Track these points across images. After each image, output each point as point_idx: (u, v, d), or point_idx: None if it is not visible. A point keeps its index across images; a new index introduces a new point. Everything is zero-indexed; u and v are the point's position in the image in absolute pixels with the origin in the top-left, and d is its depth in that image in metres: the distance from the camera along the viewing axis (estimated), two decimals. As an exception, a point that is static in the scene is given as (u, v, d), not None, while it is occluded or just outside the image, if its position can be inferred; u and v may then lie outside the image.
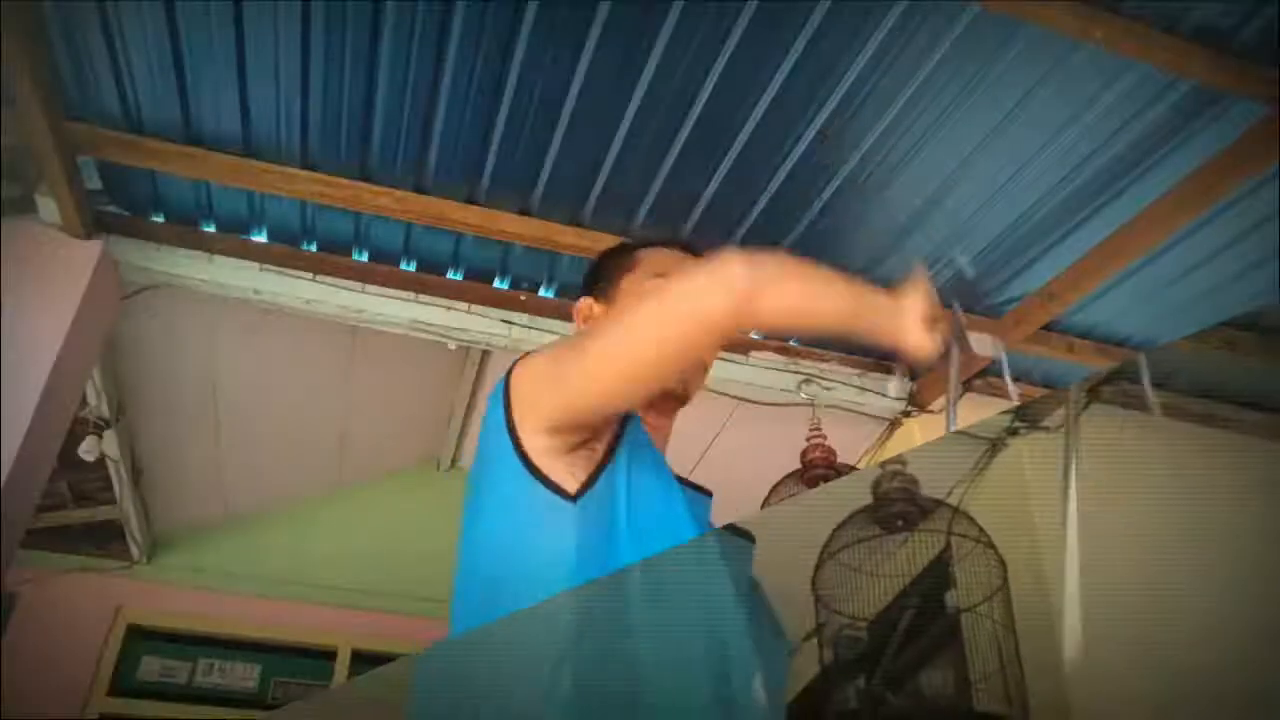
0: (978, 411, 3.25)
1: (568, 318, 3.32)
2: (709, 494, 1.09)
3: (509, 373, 1.03)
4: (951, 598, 2.45)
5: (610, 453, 0.97)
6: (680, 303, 0.92)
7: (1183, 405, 3.21)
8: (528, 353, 1.05)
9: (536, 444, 0.96)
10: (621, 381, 0.94)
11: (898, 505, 2.66)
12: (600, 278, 1.27)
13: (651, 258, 1.24)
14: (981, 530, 2.51)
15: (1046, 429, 2.75)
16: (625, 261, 1.25)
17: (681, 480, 1.04)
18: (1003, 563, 2.43)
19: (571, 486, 0.94)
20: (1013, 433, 2.82)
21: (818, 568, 2.60)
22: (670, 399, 1.15)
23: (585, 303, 1.26)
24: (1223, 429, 3.16)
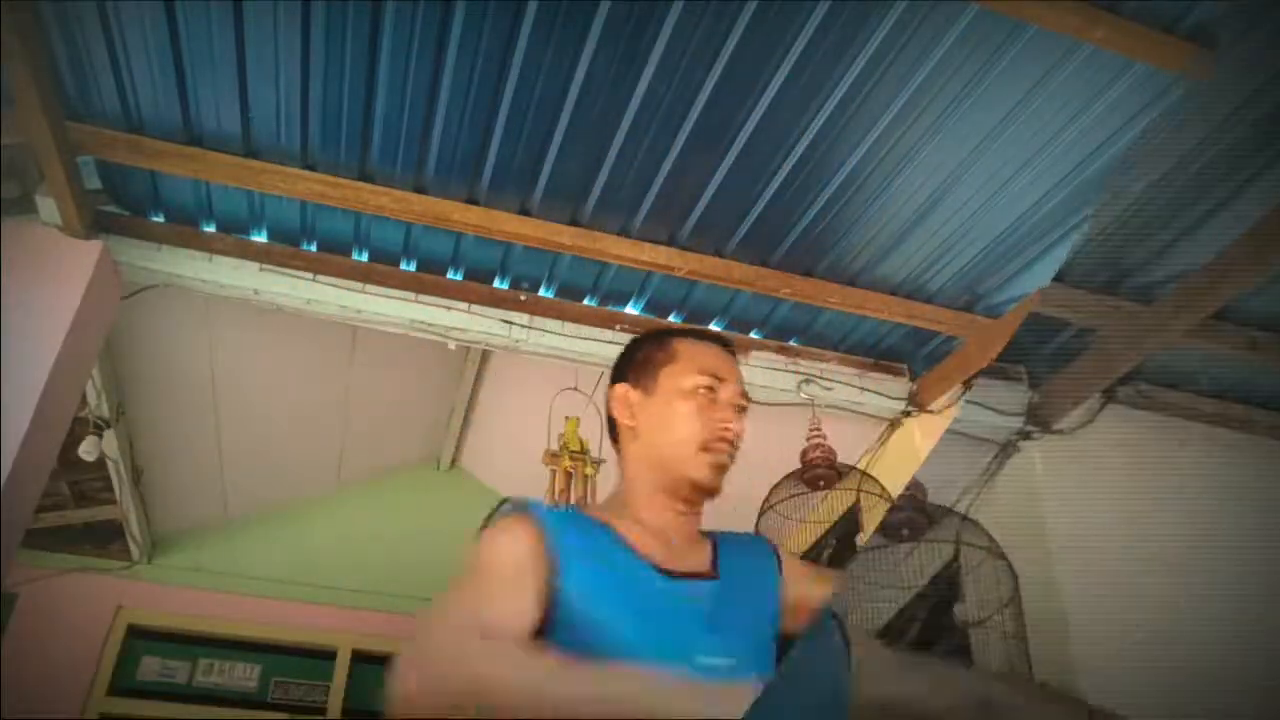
0: (980, 414, 3.24)
1: (567, 318, 3.33)
2: (712, 577, 1.15)
3: None
4: (961, 610, 2.40)
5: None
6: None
7: (1198, 406, 2.72)
8: None
9: None
10: None
11: (904, 513, 2.54)
12: (637, 367, 1.28)
13: (691, 351, 1.26)
14: (992, 539, 2.46)
15: (1060, 432, 2.59)
16: (663, 353, 1.26)
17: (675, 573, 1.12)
18: (1014, 573, 2.37)
19: None
20: (1025, 436, 2.63)
21: None
22: (696, 490, 1.19)
23: (622, 389, 1.27)
24: (1240, 430, 2.69)
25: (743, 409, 1.23)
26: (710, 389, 1.20)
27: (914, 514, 2.54)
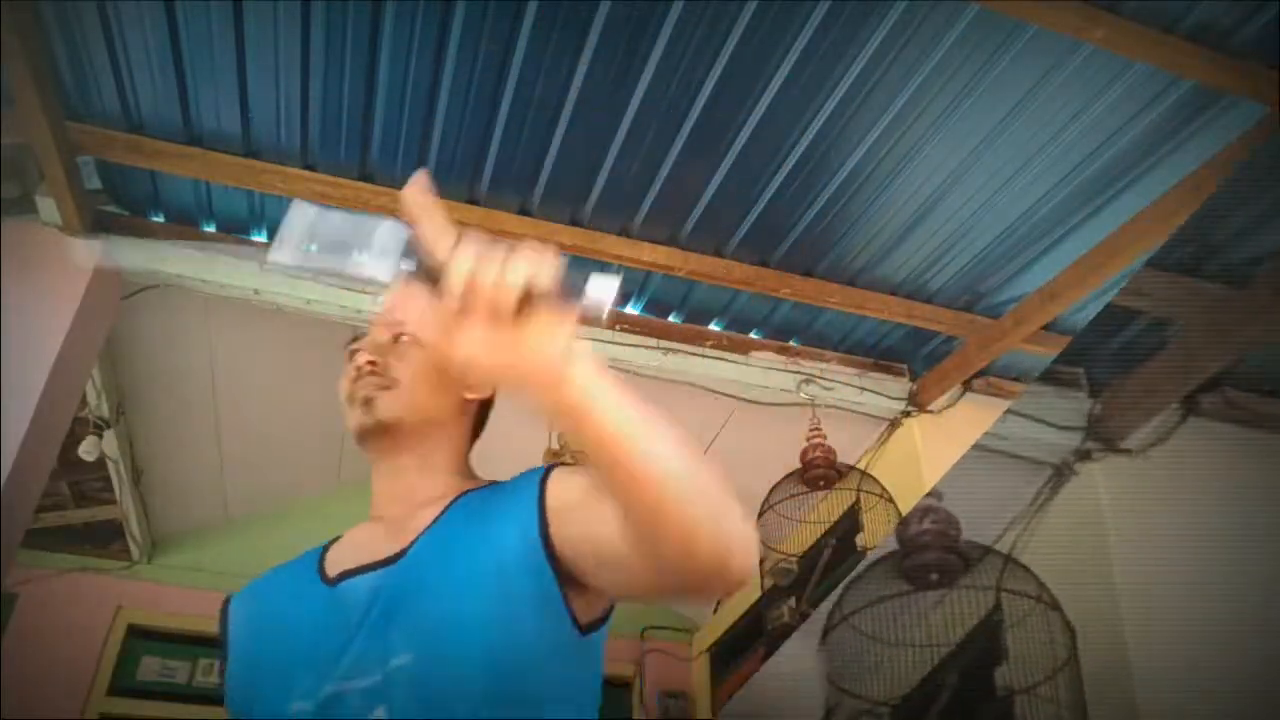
0: (982, 413, 3.25)
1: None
2: (390, 561, 0.96)
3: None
4: (1004, 674, 2.00)
5: None
6: None
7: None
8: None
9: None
10: None
11: (931, 554, 2.10)
12: None
13: None
14: (1043, 586, 2.04)
15: (1128, 451, 2.09)
16: None
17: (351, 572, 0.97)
18: (1070, 628, 1.98)
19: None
20: (1084, 456, 2.10)
21: (824, 635, 2.10)
22: (363, 434, 1.06)
23: None
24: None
25: (397, 339, 1.10)
26: (352, 353, 1.12)
27: (944, 554, 2.08)
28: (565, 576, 0.87)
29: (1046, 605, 1.96)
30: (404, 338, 1.11)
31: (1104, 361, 2.20)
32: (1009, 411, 2.32)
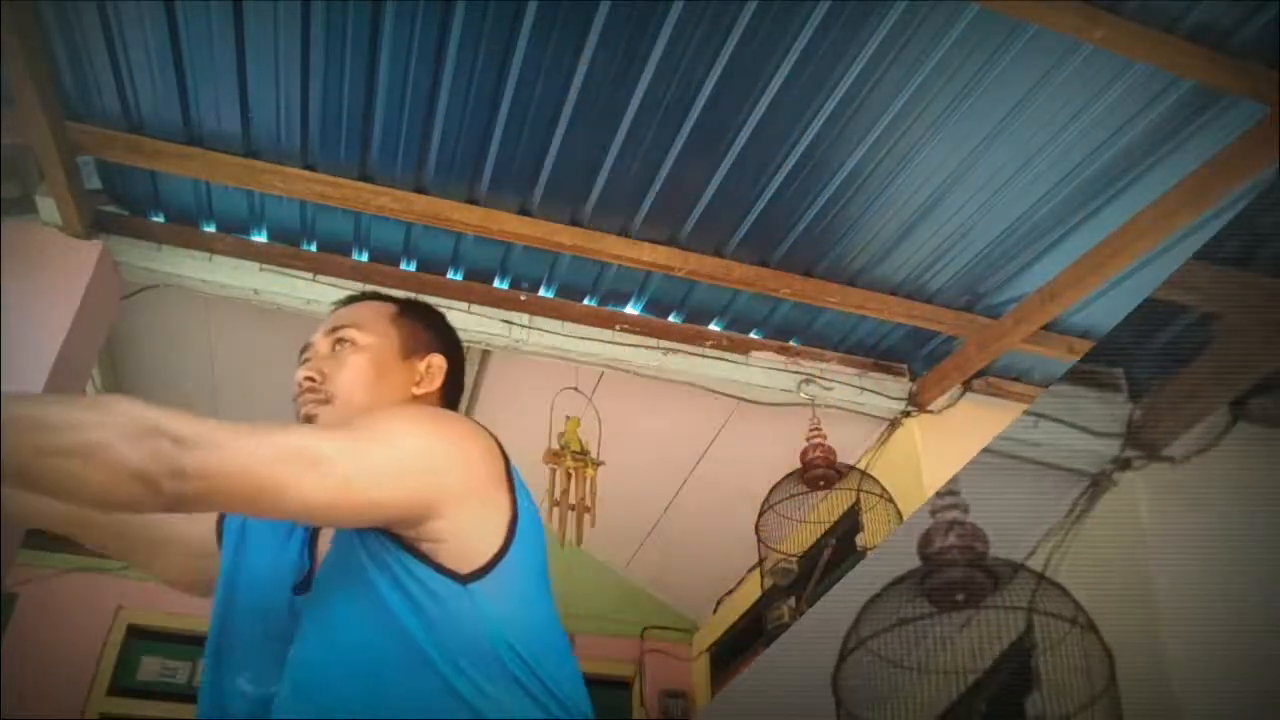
0: (982, 413, 3.25)
1: (567, 318, 3.33)
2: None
3: None
4: (1035, 703, 1.90)
5: None
6: None
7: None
8: None
9: None
10: None
11: (956, 571, 2.00)
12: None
13: None
14: (1079, 607, 1.92)
15: (1172, 459, 1.96)
16: None
17: None
18: (1109, 652, 1.88)
19: None
20: (1123, 465, 1.96)
21: (841, 659, 1.98)
22: None
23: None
24: None
25: (336, 345, 1.15)
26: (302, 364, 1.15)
27: (972, 572, 1.97)
28: (407, 540, 0.90)
29: (1083, 628, 1.84)
30: (343, 344, 1.13)
31: (1142, 361, 1.94)
32: (1037, 415, 2.16)
